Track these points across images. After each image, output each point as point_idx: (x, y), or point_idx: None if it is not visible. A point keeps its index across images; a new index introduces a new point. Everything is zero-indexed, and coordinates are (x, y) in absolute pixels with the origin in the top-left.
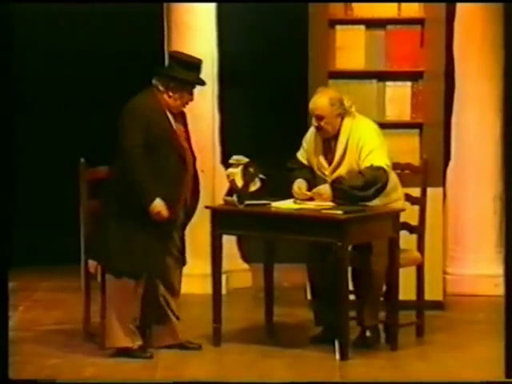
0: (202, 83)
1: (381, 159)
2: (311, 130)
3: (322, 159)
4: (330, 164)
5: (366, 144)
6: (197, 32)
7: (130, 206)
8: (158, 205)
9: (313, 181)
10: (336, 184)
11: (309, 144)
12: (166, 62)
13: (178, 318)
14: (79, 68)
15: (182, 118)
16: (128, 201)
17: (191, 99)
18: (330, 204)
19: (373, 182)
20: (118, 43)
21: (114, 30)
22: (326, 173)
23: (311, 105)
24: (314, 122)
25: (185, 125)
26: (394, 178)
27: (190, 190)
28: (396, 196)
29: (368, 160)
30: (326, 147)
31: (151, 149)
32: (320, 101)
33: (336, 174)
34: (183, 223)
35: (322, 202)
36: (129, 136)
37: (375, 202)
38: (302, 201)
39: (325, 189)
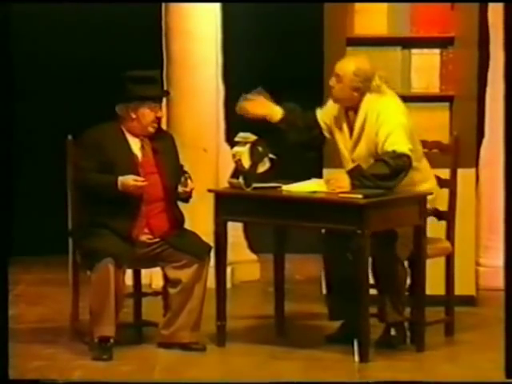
0: (159, 95)
1: (403, 143)
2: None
3: (344, 127)
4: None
5: (384, 122)
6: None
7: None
8: (123, 182)
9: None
10: (355, 172)
11: (332, 108)
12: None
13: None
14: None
15: (156, 142)
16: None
17: (158, 115)
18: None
19: (398, 171)
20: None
21: (111, 31)
22: (348, 146)
23: (337, 63)
24: (330, 81)
25: (156, 151)
26: (425, 166)
27: (158, 222)
28: (426, 187)
29: (389, 144)
30: (347, 119)
31: (106, 173)
32: (346, 64)
33: (356, 153)
34: (155, 253)
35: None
36: (81, 166)
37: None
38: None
39: (342, 176)
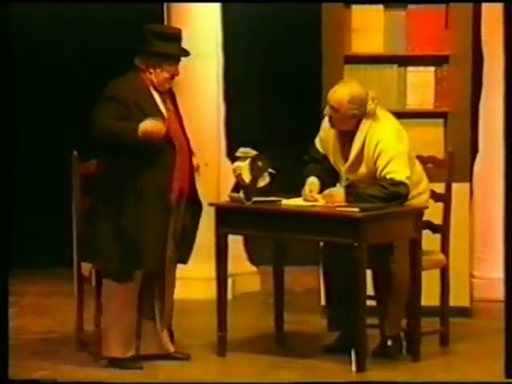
0: (181, 55)
1: (401, 171)
2: (327, 119)
3: (337, 152)
4: (345, 160)
5: (384, 150)
6: (198, 10)
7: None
8: (144, 125)
9: (327, 176)
10: (352, 189)
11: (326, 132)
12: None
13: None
14: (75, 66)
15: (171, 97)
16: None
17: (175, 73)
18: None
19: (394, 197)
20: (115, 41)
21: (111, 28)
22: (342, 169)
23: (330, 93)
24: (326, 112)
25: (175, 105)
26: (417, 170)
27: (187, 178)
28: (419, 190)
29: (388, 172)
30: (342, 140)
31: None
32: (340, 93)
33: (351, 176)
34: (189, 217)
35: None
36: (102, 112)
37: None
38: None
39: (338, 192)
